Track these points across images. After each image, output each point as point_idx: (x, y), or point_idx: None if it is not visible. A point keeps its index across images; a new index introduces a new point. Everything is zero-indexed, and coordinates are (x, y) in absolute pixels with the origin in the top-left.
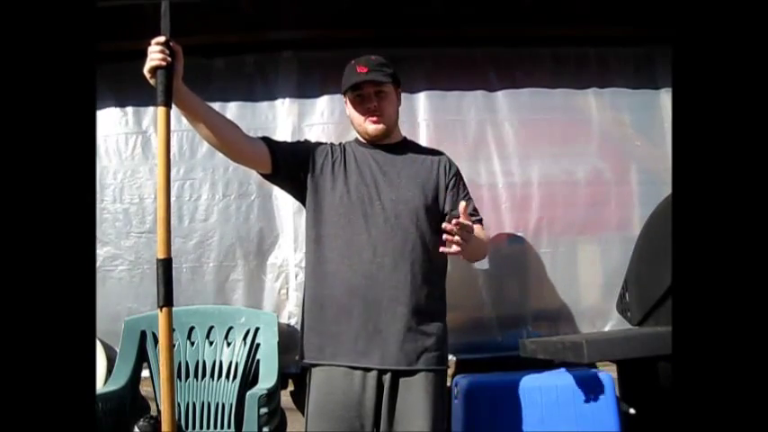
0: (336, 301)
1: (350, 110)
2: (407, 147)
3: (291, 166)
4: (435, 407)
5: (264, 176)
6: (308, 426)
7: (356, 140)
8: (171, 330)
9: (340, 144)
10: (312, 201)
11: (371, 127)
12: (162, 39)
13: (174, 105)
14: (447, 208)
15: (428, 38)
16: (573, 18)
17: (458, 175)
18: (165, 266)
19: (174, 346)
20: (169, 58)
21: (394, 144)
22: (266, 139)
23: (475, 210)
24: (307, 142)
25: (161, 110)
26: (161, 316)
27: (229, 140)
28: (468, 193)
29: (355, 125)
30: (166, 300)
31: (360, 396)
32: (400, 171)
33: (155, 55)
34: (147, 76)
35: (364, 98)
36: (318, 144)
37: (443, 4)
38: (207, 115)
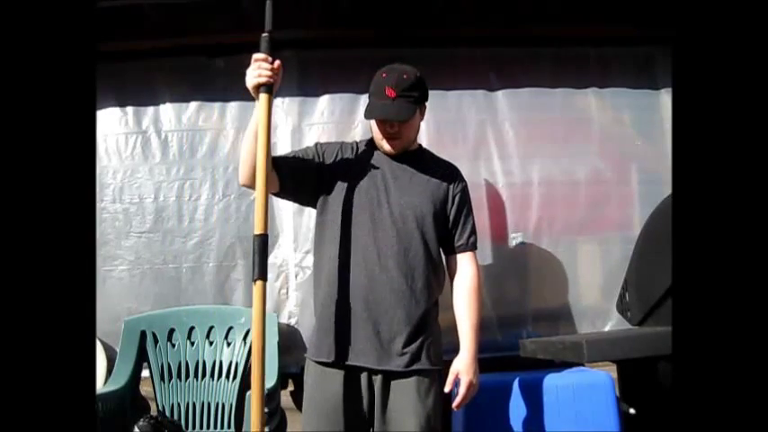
0: (338, 300)
1: (372, 122)
2: (422, 155)
3: (297, 183)
4: (427, 407)
5: (272, 194)
6: (303, 425)
7: (371, 141)
8: (264, 302)
9: (354, 143)
10: (322, 201)
11: (387, 147)
12: (267, 57)
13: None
14: (450, 221)
15: (428, 38)
16: (573, 18)
17: (464, 191)
18: (261, 242)
19: (175, 346)
20: (276, 76)
21: (410, 152)
22: (273, 159)
23: (473, 231)
24: (312, 149)
25: (263, 95)
26: (255, 288)
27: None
28: (469, 211)
29: (374, 136)
30: (261, 273)
31: (353, 398)
32: (412, 177)
33: (263, 72)
34: (251, 91)
35: (386, 122)
36: (327, 146)
37: (443, 4)
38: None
